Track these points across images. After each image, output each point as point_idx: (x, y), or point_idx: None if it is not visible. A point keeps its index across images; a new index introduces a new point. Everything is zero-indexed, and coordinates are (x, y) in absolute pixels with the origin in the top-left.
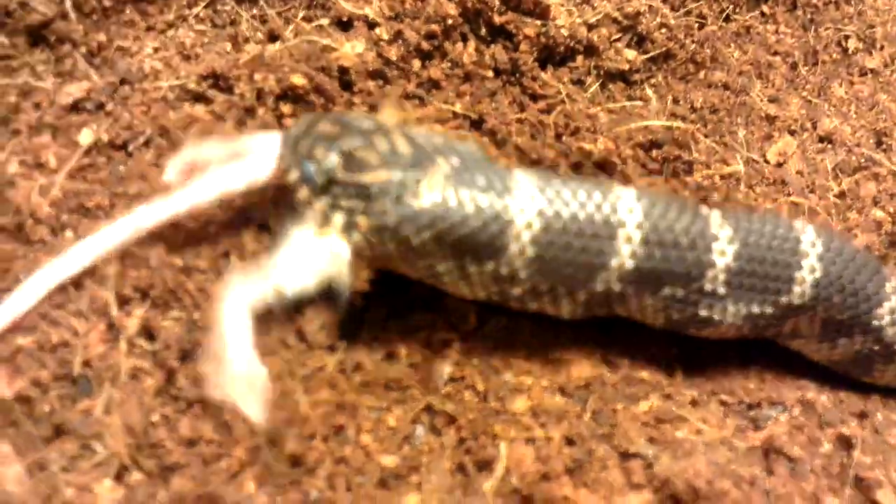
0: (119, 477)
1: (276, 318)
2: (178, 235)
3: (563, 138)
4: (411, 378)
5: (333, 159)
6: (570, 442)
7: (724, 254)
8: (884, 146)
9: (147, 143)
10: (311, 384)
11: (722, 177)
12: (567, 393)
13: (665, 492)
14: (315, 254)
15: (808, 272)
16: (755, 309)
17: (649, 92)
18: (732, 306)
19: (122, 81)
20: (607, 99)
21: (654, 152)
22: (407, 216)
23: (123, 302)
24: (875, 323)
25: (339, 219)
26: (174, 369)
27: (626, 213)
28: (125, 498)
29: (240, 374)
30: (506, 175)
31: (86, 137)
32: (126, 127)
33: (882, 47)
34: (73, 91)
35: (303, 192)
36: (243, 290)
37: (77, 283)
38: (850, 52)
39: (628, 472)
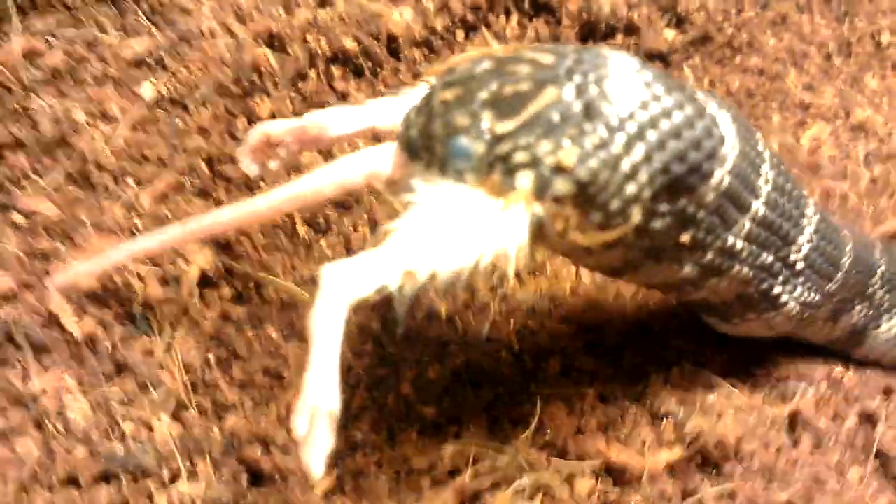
0: (176, 414)
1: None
2: None
3: None
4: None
5: (482, 117)
6: (603, 399)
7: None
8: None
9: (204, 102)
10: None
11: None
12: (600, 354)
13: (694, 448)
14: (475, 222)
15: None
16: None
17: (687, 72)
18: None
19: (181, 39)
20: None
21: None
22: (612, 124)
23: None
24: None
25: (525, 179)
26: (228, 313)
27: None
28: (182, 434)
29: (311, 406)
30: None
31: (147, 91)
32: (184, 83)
33: None
34: (136, 46)
35: (468, 178)
36: (349, 278)
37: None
38: (882, 45)
39: (659, 429)
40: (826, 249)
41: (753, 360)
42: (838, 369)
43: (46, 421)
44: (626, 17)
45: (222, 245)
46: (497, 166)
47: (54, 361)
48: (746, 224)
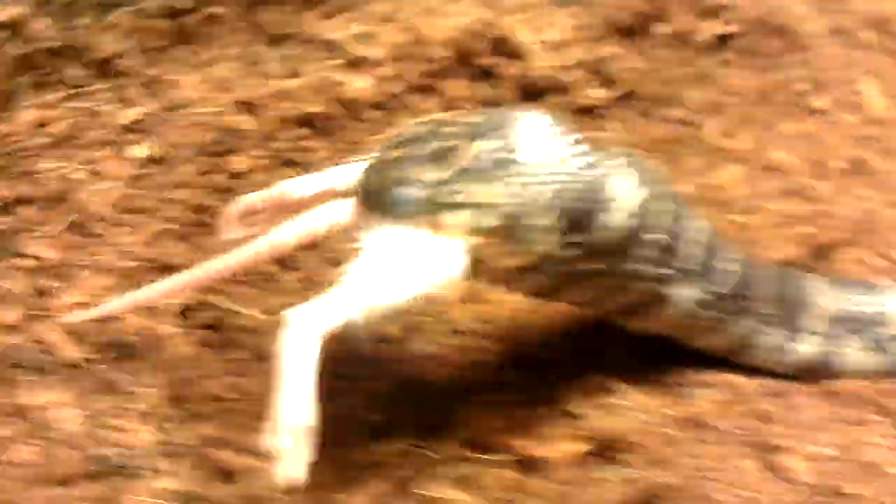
0: (157, 424)
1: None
2: None
3: None
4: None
5: (424, 168)
6: (524, 404)
7: None
8: (821, 174)
9: (189, 160)
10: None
11: None
12: (525, 367)
13: (599, 442)
14: (421, 259)
15: None
16: None
17: (612, 124)
18: None
19: (170, 108)
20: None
21: None
22: (526, 170)
23: None
24: None
25: (464, 216)
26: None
27: None
28: (163, 439)
29: (290, 426)
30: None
31: (139, 152)
32: (172, 145)
33: (829, 90)
34: (130, 115)
35: (414, 220)
36: (316, 314)
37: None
38: (799, 93)
39: (570, 428)
40: (718, 265)
41: (659, 369)
42: (734, 377)
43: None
44: (558, 79)
45: None
46: (438, 208)
47: (54, 381)
48: (645, 252)
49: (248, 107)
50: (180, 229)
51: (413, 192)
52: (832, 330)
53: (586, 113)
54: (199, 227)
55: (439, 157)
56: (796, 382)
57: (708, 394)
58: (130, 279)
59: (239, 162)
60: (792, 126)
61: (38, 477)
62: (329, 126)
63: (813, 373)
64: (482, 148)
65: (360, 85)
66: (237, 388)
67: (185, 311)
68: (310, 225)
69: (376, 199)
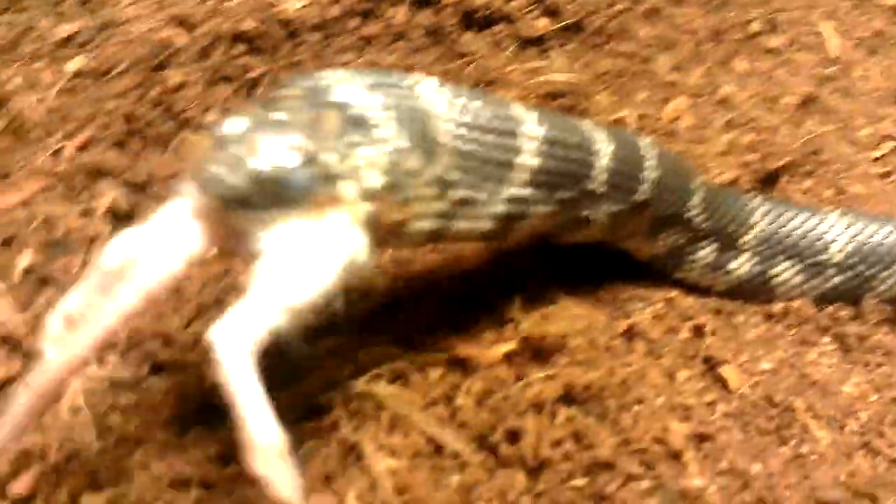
0: None
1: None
2: None
3: (480, 88)
4: None
5: (300, 146)
6: (459, 311)
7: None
8: (771, 108)
9: (123, 73)
10: None
11: (612, 121)
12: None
13: (529, 343)
14: (323, 244)
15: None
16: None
17: (557, 55)
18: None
19: (106, 25)
20: (522, 60)
21: (557, 101)
22: (413, 111)
23: None
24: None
25: (344, 186)
26: None
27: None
28: None
29: (261, 446)
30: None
31: (74, 65)
32: (107, 59)
33: (785, 30)
34: (67, 29)
35: (305, 202)
36: (239, 331)
37: None
38: (752, 33)
39: (501, 331)
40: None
41: (597, 283)
42: (675, 293)
43: None
44: (500, 8)
45: (134, 186)
46: (323, 184)
47: None
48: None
49: (181, 23)
50: (114, 137)
51: (297, 175)
52: (767, 250)
53: (532, 44)
54: (132, 136)
55: (310, 130)
56: (738, 301)
57: (645, 308)
58: (66, 182)
59: (174, 76)
60: (745, 64)
61: None
62: (265, 45)
63: (750, 292)
64: (338, 117)
65: (297, 5)
66: None
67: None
68: (159, 272)
69: (255, 195)
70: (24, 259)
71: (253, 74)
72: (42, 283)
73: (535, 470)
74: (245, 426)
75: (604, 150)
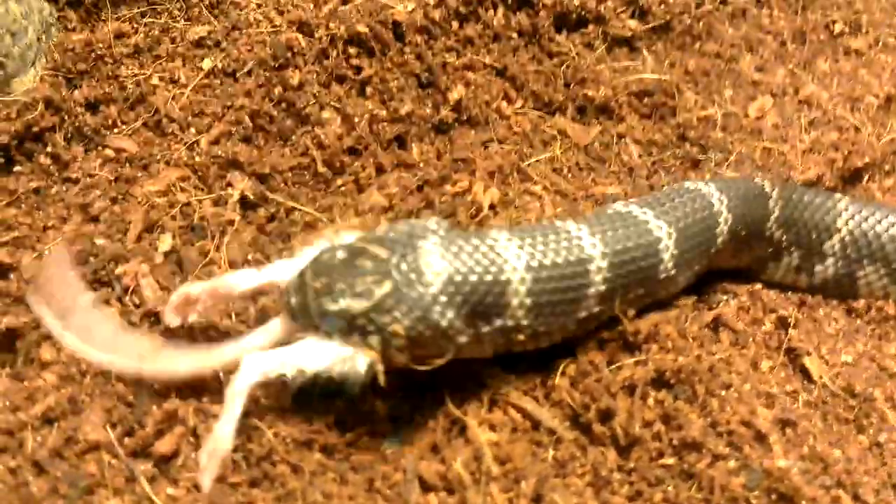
0: None
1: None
2: None
3: (571, 87)
4: None
5: (343, 303)
6: None
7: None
8: (854, 107)
9: (249, 73)
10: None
11: (699, 119)
12: None
13: (621, 333)
14: (342, 356)
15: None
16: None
17: (646, 55)
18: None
19: (234, 27)
20: (612, 59)
21: (646, 99)
22: (426, 303)
23: None
24: None
25: (374, 340)
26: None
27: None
28: None
29: (212, 447)
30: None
31: (207, 64)
32: (235, 59)
33: (867, 31)
34: (199, 31)
35: (335, 338)
36: (256, 366)
37: None
38: (835, 34)
39: None
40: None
41: None
42: (759, 285)
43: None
44: (594, 9)
45: (259, 177)
46: (355, 332)
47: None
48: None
49: (302, 26)
50: (242, 132)
51: (334, 321)
52: (852, 254)
53: (622, 44)
54: (258, 132)
55: (355, 291)
56: (822, 298)
57: (730, 300)
58: (201, 172)
59: (294, 76)
60: (828, 64)
61: None
62: (376, 47)
63: (835, 292)
64: (392, 287)
65: (409, 7)
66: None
67: (248, 202)
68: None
69: (302, 318)
70: (165, 243)
71: (364, 75)
72: (179, 265)
73: (626, 448)
74: (216, 425)
75: (665, 240)
